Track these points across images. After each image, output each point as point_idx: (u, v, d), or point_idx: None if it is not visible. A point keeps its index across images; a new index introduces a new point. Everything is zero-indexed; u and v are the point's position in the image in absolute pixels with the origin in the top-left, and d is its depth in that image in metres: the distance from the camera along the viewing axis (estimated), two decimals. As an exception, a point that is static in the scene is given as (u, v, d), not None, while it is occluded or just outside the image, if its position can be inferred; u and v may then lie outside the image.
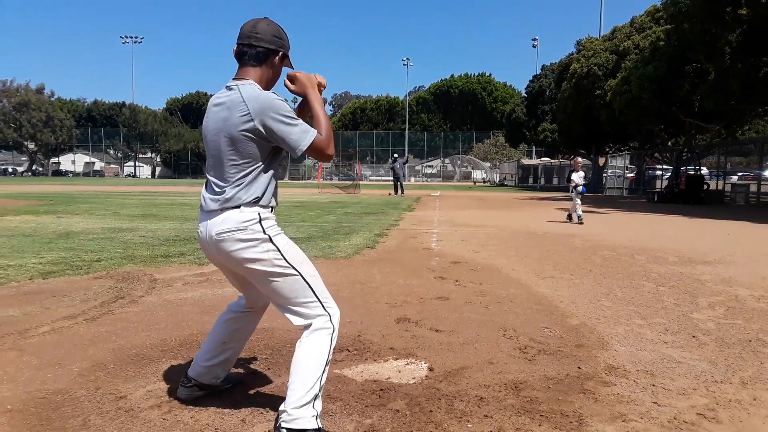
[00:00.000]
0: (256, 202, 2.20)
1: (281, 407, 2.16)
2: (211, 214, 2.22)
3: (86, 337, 3.58)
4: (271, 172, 2.26)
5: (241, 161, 2.17)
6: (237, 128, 2.13)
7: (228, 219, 2.17)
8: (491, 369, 3.11)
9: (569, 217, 12.95)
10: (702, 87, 19.81)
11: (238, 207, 2.18)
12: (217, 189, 2.23)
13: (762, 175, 24.90)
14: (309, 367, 2.16)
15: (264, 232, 2.20)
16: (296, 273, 2.23)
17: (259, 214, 2.20)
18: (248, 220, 2.18)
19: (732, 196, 23.91)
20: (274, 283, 2.21)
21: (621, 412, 2.56)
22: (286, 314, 2.26)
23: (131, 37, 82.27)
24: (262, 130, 2.12)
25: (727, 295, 5.12)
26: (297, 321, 2.25)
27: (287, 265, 2.22)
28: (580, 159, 14.75)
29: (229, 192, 2.18)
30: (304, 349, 2.20)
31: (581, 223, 12.30)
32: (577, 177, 13.18)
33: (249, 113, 2.11)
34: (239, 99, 2.14)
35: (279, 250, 2.22)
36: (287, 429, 2.10)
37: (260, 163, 2.19)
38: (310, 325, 2.24)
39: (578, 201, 12.69)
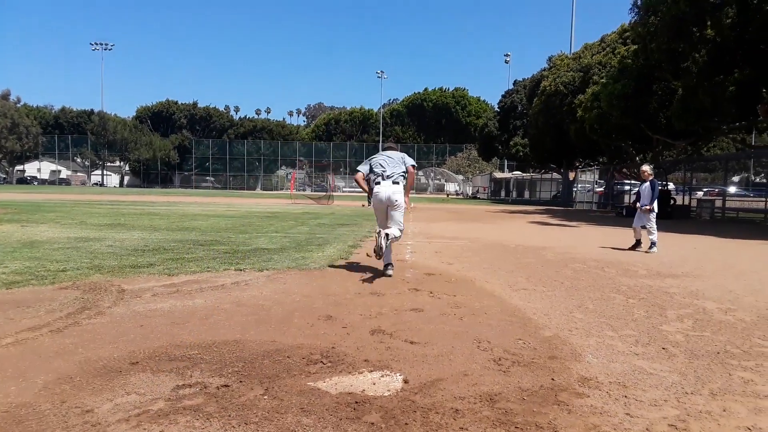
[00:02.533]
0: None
1: (388, 233, 6.21)
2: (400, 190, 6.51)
3: (51, 348, 3.47)
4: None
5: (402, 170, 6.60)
6: (402, 159, 6.71)
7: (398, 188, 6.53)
8: (466, 381, 3.10)
9: (638, 244, 10.22)
10: (671, 108, 20.32)
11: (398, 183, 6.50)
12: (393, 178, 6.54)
13: (726, 191, 25.67)
14: (396, 234, 6.34)
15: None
16: (403, 212, 6.52)
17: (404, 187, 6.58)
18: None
19: (698, 211, 24.54)
20: (400, 213, 6.51)
21: (594, 423, 2.58)
22: (395, 226, 6.39)
23: (101, 44, 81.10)
24: (405, 162, 6.69)
25: (695, 307, 5.22)
26: (399, 227, 6.52)
27: (405, 207, 6.55)
28: (646, 167, 10.73)
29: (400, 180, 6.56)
30: (395, 230, 6.36)
31: (648, 251, 9.85)
32: (646, 191, 10.35)
33: (403, 156, 6.76)
34: (401, 154, 6.82)
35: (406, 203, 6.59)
36: (389, 234, 6.16)
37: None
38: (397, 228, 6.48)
39: (653, 223, 10.13)
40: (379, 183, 6.50)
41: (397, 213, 6.47)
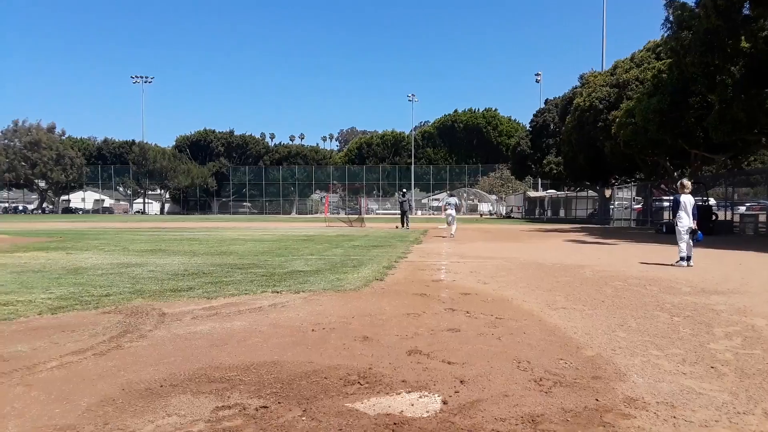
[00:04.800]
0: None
1: (453, 229, 18.91)
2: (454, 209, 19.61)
3: (95, 371, 3.55)
4: None
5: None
6: (456, 200, 21.22)
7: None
8: (506, 402, 3.04)
9: (686, 259, 9.96)
10: (708, 119, 19.88)
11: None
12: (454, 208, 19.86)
13: (770, 205, 24.81)
14: (455, 226, 19.02)
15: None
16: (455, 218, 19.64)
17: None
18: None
19: (740, 227, 23.74)
20: (454, 219, 19.17)
21: (642, 444, 2.49)
22: (455, 224, 19.10)
23: (142, 77, 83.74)
24: (456, 202, 20.96)
25: (744, 325, 5.03)
26: (455, 224, 19.25)
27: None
28: (686, 180, 10.50)
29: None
30: (455, 226, 19.10)
31: (683, 266, 9.84)
32: (689, 203, 10.09)
33: (457, 200, 21.63)
34: (456, 199, 21.74)
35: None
36: (454, 226, 19.06)
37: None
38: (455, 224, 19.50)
39: (689, 240, 9.98)
40: (447, 209, 19.15)
41: (454, 220, 18.93)
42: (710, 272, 9.17)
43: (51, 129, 78.06)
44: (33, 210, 79.64)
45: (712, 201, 28.16)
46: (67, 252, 12.05)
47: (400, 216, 27.68)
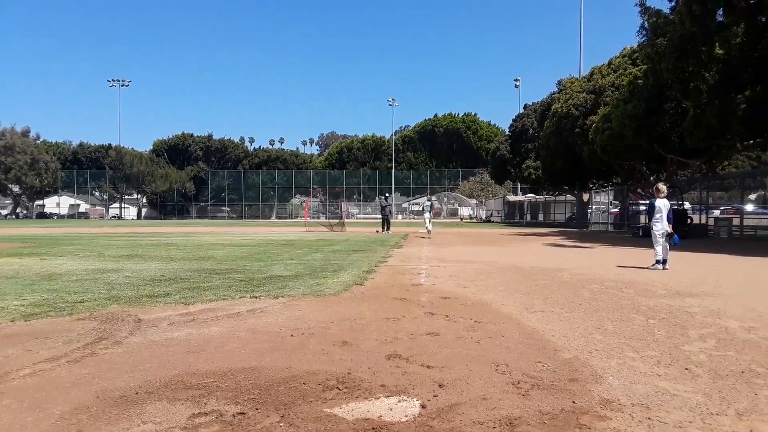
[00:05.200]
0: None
1: (429, 227, 25.31)
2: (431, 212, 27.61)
3: (68, 379, 3.48)
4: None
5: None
6: (430, 205, 29.04)
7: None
8: (485, 405, 3.05)
9: (662, 262, 10.02)
10: (683, 124, 20.26)
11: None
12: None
13: (743, 209, 25.34)
14: (429, 226, 25.27)
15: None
16: (431, 220, 26.51)
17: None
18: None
19: (715, 230, 24.21)
20: (430, 221, 26.33)
21: (618, 446, 2.51)
22: (430, 225, 25.39)
23: (118, 81, 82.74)
24: (430, 206, 29.25)
25: (717, 326, 5.12)
26: (430, 224, 25.60)
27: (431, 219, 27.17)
28: (662, 185, 10.59)
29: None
30: (430, 226, 25.35)
31: (659, 269, 9.94)
32: (664, 208, 10.15)
33: (432, 204, 34.20)
34: (430, 202, 30.71)
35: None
36: (429, 226, 25.62)
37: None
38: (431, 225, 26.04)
39: (664, 243, 10.05)
40: (424, 211, 27.71)
41: (429, 221, 25.67)
42: (685, 275, 9.32)
43: (25, 133, 76.68)
44: (7, 215, 78.09)
45: (687, 205, 28.64)
46: (41, 258, 11.83)
47: (381, 220, 27.76)
